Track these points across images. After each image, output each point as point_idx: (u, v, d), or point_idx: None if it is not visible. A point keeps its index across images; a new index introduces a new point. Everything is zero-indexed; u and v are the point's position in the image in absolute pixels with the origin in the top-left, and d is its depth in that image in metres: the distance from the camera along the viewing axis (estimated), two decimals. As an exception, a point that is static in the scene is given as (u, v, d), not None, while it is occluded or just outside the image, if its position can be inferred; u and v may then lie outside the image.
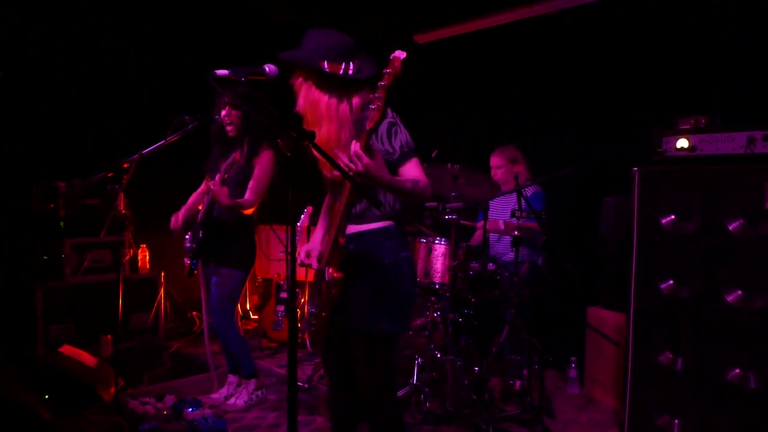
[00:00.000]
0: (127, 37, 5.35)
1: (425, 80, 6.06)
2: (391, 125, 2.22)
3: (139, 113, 5.33)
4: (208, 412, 3.56)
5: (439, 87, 5.90)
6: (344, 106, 2.26)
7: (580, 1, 4.70)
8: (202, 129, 3.59)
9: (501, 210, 4.50)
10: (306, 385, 4.09)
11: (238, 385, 3.90)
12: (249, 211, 3.61)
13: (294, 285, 1.97)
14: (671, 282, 2.98)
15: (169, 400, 3.65)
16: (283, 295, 5.24)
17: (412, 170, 2.20)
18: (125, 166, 3.33)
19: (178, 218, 3.75)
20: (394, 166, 2.19)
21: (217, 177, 3.43)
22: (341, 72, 2.25)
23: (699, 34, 4.15)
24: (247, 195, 3.57)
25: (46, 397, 3.32)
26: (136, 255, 5.23)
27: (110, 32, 5.25)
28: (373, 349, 2.28)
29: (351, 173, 2.00)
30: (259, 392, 3.81)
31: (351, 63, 2.29)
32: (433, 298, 4.00)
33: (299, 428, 3.36)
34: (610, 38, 4.61)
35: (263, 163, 3.60)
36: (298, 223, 5.28)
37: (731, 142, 2.88)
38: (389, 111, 2.23)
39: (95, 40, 5.18)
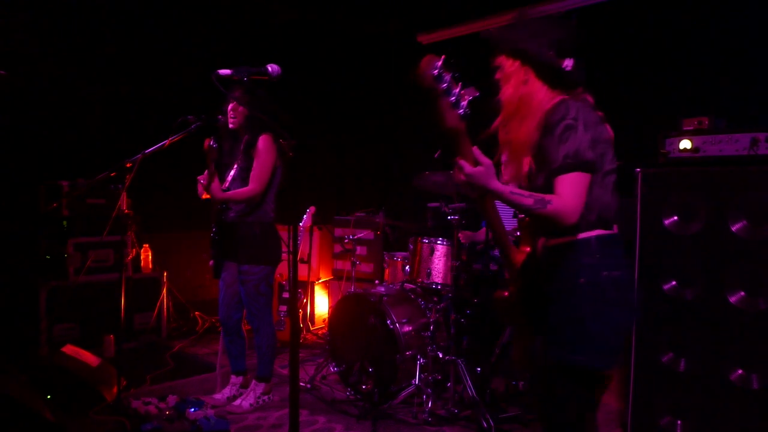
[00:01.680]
0: (131, 36, 5.36)
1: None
2: (567, 128, 1.90)
3: (143, 113, 5.35)
4: (210, 412, 3.56)
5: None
6: (548, 104, 1.99)
7: (584, 2, 4.70)
8: (205, 129, 3.60)
9: (506, 210, 4.50)
10: (308, 386, 4.09)
11: (243, 385, 3.90)
12: (259, 193, 3.60)
13: (296, 285, 1.98)
14: (674, 283, 2.98)
15: (172, 400, 3.65)
16: (286, 295, 5.24)
17: (563, 186, 1.87)
18: (128, 165, 3.33)
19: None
20: (551, 176, 1.92)
21: (206, 172, 3.42)
22: (563, 67, 1.99)
23: (702, 34, 4.14)
24: (250, 183, 3.57)
25: (49, 396, 3.33)
26: (139, 255, 5.24)
27: (114, 31, 5.26)
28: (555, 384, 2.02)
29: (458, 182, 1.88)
30: (266, 397, 3.80)
31: (569, 59, 2.02)
32: (435, 298, 4.00)
33: (301, 429, 3.36)
34: (614, 39, 4.60)
35: (261, 150, 3.58)
36: (301, 224, 5.28)
37: (735, 144, 2.87)
38: (571, 108, 1.92)
39: (99, 39, 5.19)
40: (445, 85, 1.77)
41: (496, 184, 1.88)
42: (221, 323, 3.85)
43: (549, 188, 1.92)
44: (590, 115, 1.95)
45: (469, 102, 1.82)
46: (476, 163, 1.86)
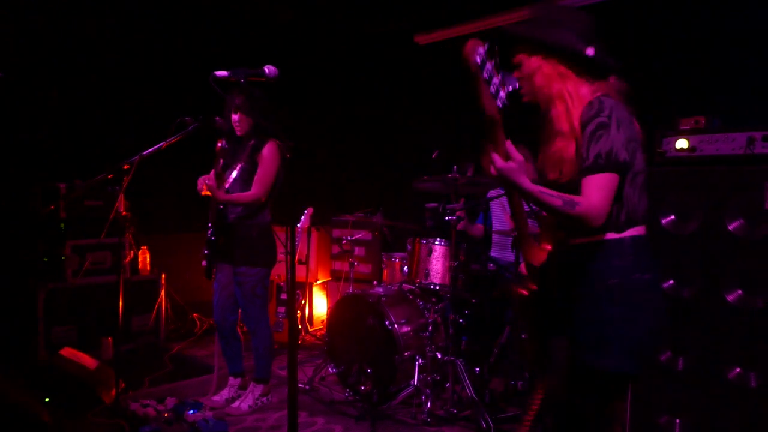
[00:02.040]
0: (128, 37, 5.36)
1: (426, 81, 6.07)
2: (600, 126, 1.85)
3: (140, 114, 5.34)
4: (209, 414, 3.56)
5: (440, 88, 5.91)
6: (590, 96, 1.94)
7: (579, 2, 4.70)
8: (203, 130, 3.60)
9: (503, 210, 4.51)
10: (307, 387, 4.09)
11: (241, 387, 3.90)
12: (262, 200, 3.61)
13: (294, 286, 1.97)
14: (672, 282, 2.98)
15: (170, 402, 3.65)
16: (284, 296, 5.24)
17: (591, 187, 1.83)
18: (126, 167, 3.33)
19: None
20: (581, 174, 1.87)
21: (212, 172, 3.43)
22: (589, 55, 1.95)
23: (698, 34, 4.15)
24: (253, 188, 3.59)
25: (47, 399, 3.32)
26: (136, 257, 5.23)
27: (111, 32, 5.26)
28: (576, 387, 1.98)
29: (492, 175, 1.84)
30: (264, 398, 3.80)
31: (590, 47, 1.97)
32: (434, 299, 4.00)
33: (300, 430, 3.36)
34: (610, 39, 4.61)
35: (267, 157, 3.61)
36: (299, 224, 5.28)
37: (731, 143, 2.87)
38: (605, 105, 1.88)
39: (96, 40, 5.18)
40: (487, 74, 1.74)
41: (526, 182, 1.83)
42: (216, 325, 3.85)
43: (577, 184, 1.88)
44: (623, 112, 1.91)
45: (508, 94, 1.78)
46: (508, 157, 1.82)
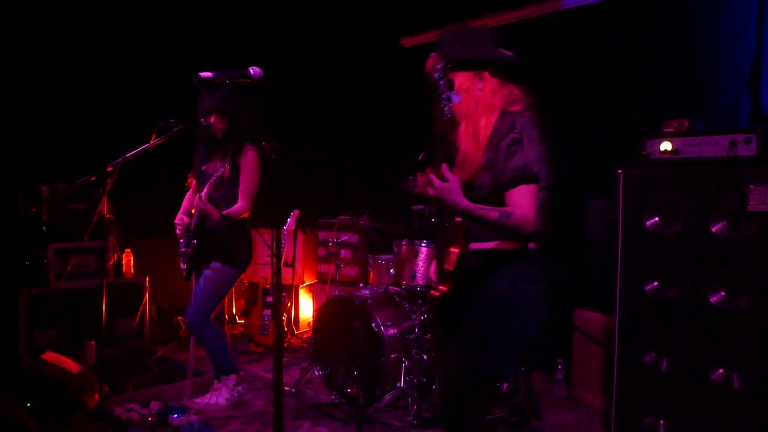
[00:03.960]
0: (111, 39, 5.31)
1: (412, 83, 6.07)
2: (514, 142, 1.99)
3: (124, 116, 5.30)
4: (193, 417, 3.53)
5: (426, 90, 5.91)
6: (502, 101, 2.11)
7: (566, 5, 4.73)
8: (187, 132, 3.58)
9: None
10: (293, 390, 4.07)
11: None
12: (245, 215, 3.62)
13: (280, 289, 1.97)
14: (656, 283, 3.01)
15: (155, 406, 3.62)
16: (270, 299, 5.22)
17: (518, 198, 1.97)
18: (109, 169, 3.30)
19: (182, 219, 3.73)
20: (501, 189, 2.01)
21: (204, 192, 3.40)
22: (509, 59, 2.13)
23: (682, 37, 4.19)
24: (240, 201, 3.60)
25: (29, 404, 3.28)
26: (120, 260, 5.18)
27: (96, 34, 5.21)
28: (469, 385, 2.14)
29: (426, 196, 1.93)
30: (239, 388, 3.79)
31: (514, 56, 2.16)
32: (420, 301, 4.00)
33: (286, 433, 3.34)
34: (596, 41, 4.64)
35: (249, 164, 3.61)
36: (285, 227, 5.26)
37: (714, 145, 2.90)
38: (518, 123, 2.02)
39: (80, 42, 5.13)
40: (440, 90, 1.84)
41: (463, 201, 1.93)
42: (189, 323, 3.81)
43: (496, 196, 2.01)
44: (533, 131, 2.05)
45: (450, 108, 1.89)
46: (444, 179, 1.90)
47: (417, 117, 5.99)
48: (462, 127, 2.10)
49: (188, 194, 3.90)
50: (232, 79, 2.52)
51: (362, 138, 6.67)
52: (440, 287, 2.11)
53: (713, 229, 2.81)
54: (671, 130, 3.09)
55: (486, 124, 2.05)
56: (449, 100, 1.83)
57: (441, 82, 1.81)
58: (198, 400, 3.82)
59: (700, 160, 2.96)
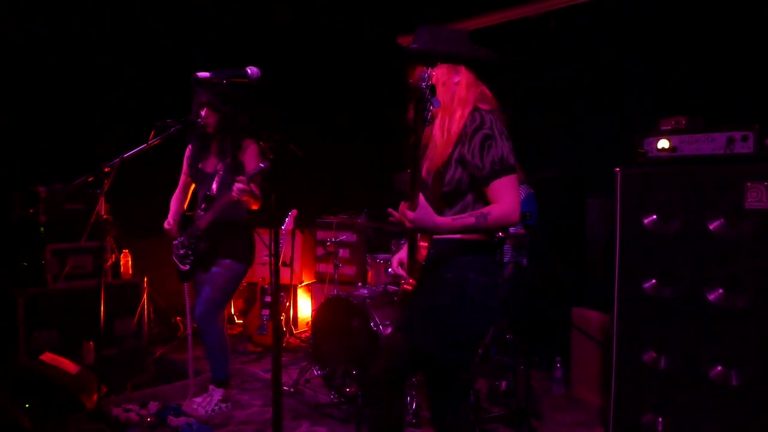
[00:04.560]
0: (109, 39, 5.30)
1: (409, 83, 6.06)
2: (486, 138, 2.05)
3: (122, 116, 5.29)
4: (192, 418, 3.53)
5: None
6: (473, 95, 2.18)
7: (563, 3, 4.73)
8: (185, 132, 3.57)
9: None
10: (291, 390, 4.07)
11: (223, 400, 3.85)
12: (256, 206, 3.59)
13: (278, 289, 1.97)
14: (654, 281, 3.01)
15: (153, 406, 3.61)
16: (268, 299, 5.22)
17: (501, 190, 2.03)
18: (106, 170, 3.28)
19: (171, 222, 3.71)
20: (480, 183, 2.07)
21: (243, 178, 3.30)
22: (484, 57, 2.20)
23: (680, 35, 4.20)
24: (255, 190, 3.54)
25: (28, 405, 3.27)
26: (118, 260, 5.17)
27: (92, 33, 5.20)
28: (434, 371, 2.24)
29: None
30: (224, 405, 3.71)
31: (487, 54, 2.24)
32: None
33: (285, 433, 3.34)
34: (593, 40, 4.65)
35: (252, 157, 3.58)
36: (282, 227, 5.26)
37: (711, 143, 2.91)
38: (487, 119, 2.08)
39: (77, 42, 5.12)
40: (426, 99, 1.84)
41: (439, 220, 1.99)
42: (199, 320, 3.77)
43: (465, 191, 2.10)
44: (502, 126, 2.10)
45: (431, 113, 1.91)
46: (415, 206, 1.95)
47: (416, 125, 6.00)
48: (437, 121, 2.17)
49: (175, 196, 3.85)
50: (230, 79, 2.51)
51: (360, 137, 6.67)
52: (411, 281, 2.18)
53: (711, 227, 2.82)
54: (668, 127, 3.09)
55: (460, 117, 2.11)
56: (432, 105, 1.85)
57: (427, 90, 1.82)
58: (198, 399, 3.80)
59: (697, 158, 2.96)
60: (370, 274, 4.80)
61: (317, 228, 5.84)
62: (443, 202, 2.16)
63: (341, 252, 5.25)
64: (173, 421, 3.44)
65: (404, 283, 2.23)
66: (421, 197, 1.98)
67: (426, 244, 2.12)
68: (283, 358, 3.34)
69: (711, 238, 2.82)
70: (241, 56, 3.60)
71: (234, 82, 2.50)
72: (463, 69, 2.18)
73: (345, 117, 6.73)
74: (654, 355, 3.01)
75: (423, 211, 1.96)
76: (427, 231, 2.02)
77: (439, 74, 2.16)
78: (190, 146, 3.73)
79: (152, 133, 3.32)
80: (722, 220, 2.79)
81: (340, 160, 6.82)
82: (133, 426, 3.41)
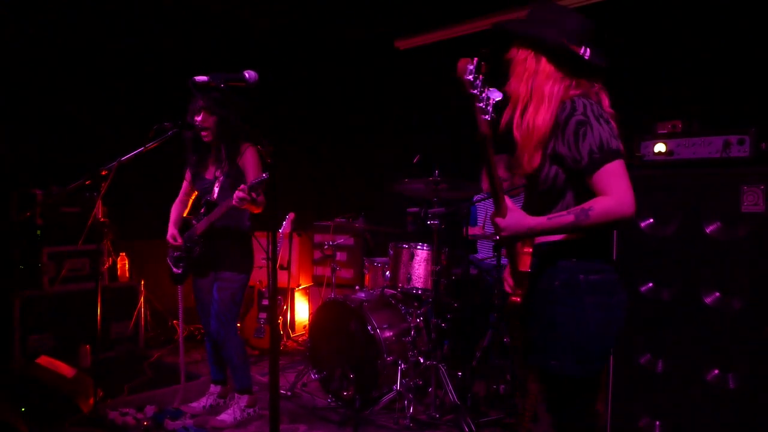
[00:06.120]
0: (107, 43, 5.30)
1: (406, 86, 6.07)
2: (580, 125, 1.82)
3: (119, 119, 5.29)
4: (189, 422, 3.52)
5: (420, 92, 5.92)
6: (563, 94, 1.90)
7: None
8: (182, 136, 3.56)
9: (488, 215, 4.53)
10: (289, 393, 4.07)
11: (221, 395, 3.85)
12: (258, 210, 3.57)
13: (275, 292, 1.96)
14: (651, 285, 3.01)
15: (150, 410, 3.60)
16: (265, 302, 5.21)
17: (607, 180, 1.78)
18: (104, 173, 3.28)
19: (175, 235, 3.70)
20: (582, 175, 1.83)
21: (244, 188, 3.28)
22: (580, 55, 1.90)
23: (677, 38, 4.21)
24: (257, 198, 3.53)
25: (24, 409, 3.26)
26: (115, 263, 5.17)
27: (90, 37, 5.20)
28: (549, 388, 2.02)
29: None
30: (251, 410, 3.69)
31: (586, 48, 1.93)
32: (416, 303, 4.00)
33: (282, 436, 3.33)
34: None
35: (251, 161, 3.56)
36: (280, 230, 5.26)
37: (708, 146, 2.91)
38: (578, 105, 1.85)
39: (74, 45, 5.12)
40: (477, 91, 1.72)
41: (533, 221, 1.83)
42: (210, 334, 3.74)
43: (563, 188, 1.90)
44: (599, 109, 1.88)
45: (494, 105, 1.76)
46: (504, 210, 1.82)
47: (412, 119, 6.02)
48: (516, 118, 1.96)
49: (175, 204, 3.84)
50: (227, 82, 2.51)
51: (357, 140, 6.67)
52: (518, 291, 1.98)
53: (707, 231, 2.82)
54: (665, 131, 3.10)
55: (544, 112, 1.90)
56: (488, 99, 1.72)
57: (477, 81, 1.68)
58: (194, 404, 3.79)
59: (694, 161, 2.97)
60: (367, 277, 4.80)
61: (314, 231, 5.84)
62: (540, 204, 1.96)
63: (338, 255, 5.25)
64: (170, 424, 3.44)
65: (512, 295, 2.04)
66: (508, 200, 1.84)
67: (530, 250, 1.92)
68: (280, 362, 3.33)
69: (707, 241, 2.82)
70: (237, 59, 3.60)
71: (231, 86, 2.49)
72: (544, 60, 1.94)
73: (344, 120, 6.74)
74: (651, 357, 3.01)
75: (513, 215, 1.82)
76: (522, 235, 1.85)
77: (519, 59, 1.98)
78: (191, 154, 3.70)
79: (150, 136, 3.32)
80: (719, 223, 2.80)
81: (338, 163, 6.82)
82: (130, 430, 3.40)
